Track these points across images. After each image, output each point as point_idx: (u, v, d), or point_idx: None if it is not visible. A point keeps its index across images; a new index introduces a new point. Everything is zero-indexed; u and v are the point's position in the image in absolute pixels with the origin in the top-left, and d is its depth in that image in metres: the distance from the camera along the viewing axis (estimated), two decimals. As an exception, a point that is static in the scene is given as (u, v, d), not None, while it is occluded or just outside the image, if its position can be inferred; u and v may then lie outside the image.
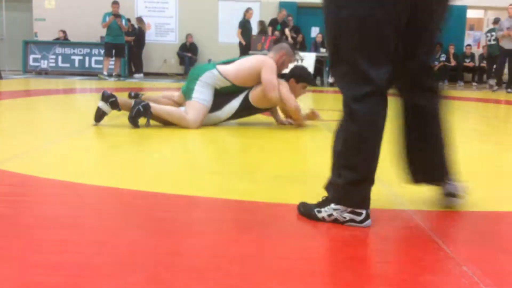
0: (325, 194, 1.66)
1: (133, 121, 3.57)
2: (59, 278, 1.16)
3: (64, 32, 12.88)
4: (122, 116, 3.96)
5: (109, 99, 3.58)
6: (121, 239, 1.43)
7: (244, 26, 10.81)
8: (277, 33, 11.05)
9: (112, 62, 11.26)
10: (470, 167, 2.66)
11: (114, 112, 3.69)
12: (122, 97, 3.84)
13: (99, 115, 3.63)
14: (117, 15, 10.79)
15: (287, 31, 11.12)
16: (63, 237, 1.43)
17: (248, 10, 10.97)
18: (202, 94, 3.69)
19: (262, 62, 3.74)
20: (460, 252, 1.39)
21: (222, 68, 3.80)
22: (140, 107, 3.56)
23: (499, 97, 8.69)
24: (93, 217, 1.66)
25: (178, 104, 4.06)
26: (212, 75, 3.74)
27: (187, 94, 3.77)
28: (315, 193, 1.99)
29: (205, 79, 3.73)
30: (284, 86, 3.76)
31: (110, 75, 11.06)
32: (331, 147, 1.61)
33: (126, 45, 12.03)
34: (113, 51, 10.94)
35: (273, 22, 11.24)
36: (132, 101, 3.69)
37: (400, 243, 1.49)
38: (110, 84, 9.40)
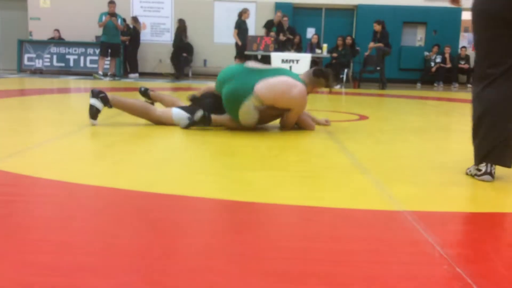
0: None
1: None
2: (53, 279, 1.16)
3: (58, 31, 12.84)
4: (116, 116, 3.95)
5: (99, 95, 3.59)
6: (115, 239, 1.43)
7: (240, 26, 10.81)
8: (272, 34, 11.05)
9: (108, 62, 11.23)
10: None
11: (109, 112, 3.68)
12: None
13: (93, 112, 3.62)
14: (113, 15, 10.75)
15: (281, 36, 11.10)
16: (56, 238, 1.43)
17: (245, 11, 10.96)
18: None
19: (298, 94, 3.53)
20: (454, 253, 1.39)
21: (260, 91, 3.43)
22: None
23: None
24: (87, 217, 1.65)
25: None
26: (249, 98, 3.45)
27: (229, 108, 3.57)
28: (311, 193, 2.00)
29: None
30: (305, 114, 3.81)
31: (105, 75, 11.03)
32: None
33: (122, 45, 12.01)
34: (109, 50, 10.90)
35: (269, 24, 11.24)
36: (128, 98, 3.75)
37: (394, 243, 1.49)
38: (105, 84, 9.37)
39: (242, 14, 10.91)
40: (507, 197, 2.06)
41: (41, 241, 1.40)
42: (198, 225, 1.60)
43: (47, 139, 3.11)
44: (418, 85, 12.53)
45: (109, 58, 11.13)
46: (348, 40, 11.58)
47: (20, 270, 1.20)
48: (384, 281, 1.21)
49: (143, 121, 3.76)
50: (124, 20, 12.74)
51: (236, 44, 10.84)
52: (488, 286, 1.19)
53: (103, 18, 10.70)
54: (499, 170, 2.31)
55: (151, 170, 2.36)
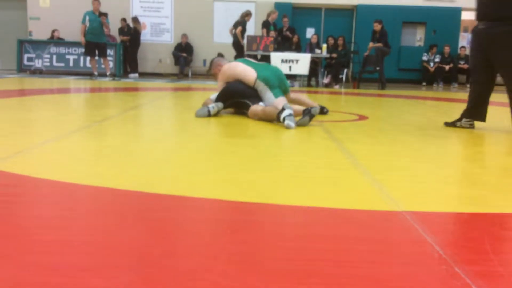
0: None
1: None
2: (53, 279, 1.16)
3: (57, 31, 12.83)
4: (116, 116, 3.95)
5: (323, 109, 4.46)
6: (115, 239, 1.43)
7: (243, 26, 10.78)
8: (272, 33, 11.05)
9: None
10: (475, 168, 2.67)
11: (108, 110, 3.68)
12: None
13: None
14: (102, 14, 10.52)
15: (272, 33, 11.06)
16: (57, 238, 1.43)
17: (248, 14, 10.93)
18: None
19: None
20: (453, 253, 1.40)
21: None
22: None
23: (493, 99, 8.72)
24: (87, 217, 1.66)
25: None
26: None
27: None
28: (310, 194, 2.00)
29: None
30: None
31: (103, 75, 10.96)
32: None
33: (120, 45, 11.99)
34: (96, 50, 10.57)
35: (265, 24, 11.23)
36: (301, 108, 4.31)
37: (394, 244, 1.50)
38: (105, 84, 9.37)
39: (246, 15, 10.89)
40: (506, 198, 2.07)
41: (41, 242, 1.40)
42: (198, 225, 1.61)
43: (47, 139, 3.11)
44: (424, 84, 12.57)
45: (98, 59, 10.91)
46: (340, 41, 11.58)
47: (20, 270, 1.20)
48: (383, 281, 1.22)
49: (142, 121, 3.75)
50: (124, 20, 12.75)
51: (235, 43, 10.81)
52: (487, 287, 1.20)
53: (87, 17, 10.35)
54: (499, 168, 2.32)
55: (151, 170, 2.37)
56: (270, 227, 1.60)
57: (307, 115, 3.92)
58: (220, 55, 8.79)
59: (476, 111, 4.10)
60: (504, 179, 2.43)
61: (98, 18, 10.41)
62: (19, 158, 2.52)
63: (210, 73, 5.07)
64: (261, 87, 4.44)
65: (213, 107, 4.35)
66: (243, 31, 10.79)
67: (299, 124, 3.88)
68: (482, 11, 3.91)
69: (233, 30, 10.95)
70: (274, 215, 1.74)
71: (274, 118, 4.01)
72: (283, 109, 3.88)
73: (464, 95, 9.70)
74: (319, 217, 1.72)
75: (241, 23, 10.80)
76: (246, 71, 4.54)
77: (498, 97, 5.30)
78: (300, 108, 4.39)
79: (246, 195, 1.95)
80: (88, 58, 11.29)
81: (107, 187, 2.00)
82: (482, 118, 4.12)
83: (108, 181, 2.09)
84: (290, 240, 1.48)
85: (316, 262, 1.33)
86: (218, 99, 4.54)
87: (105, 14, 10.58)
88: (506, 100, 3.98)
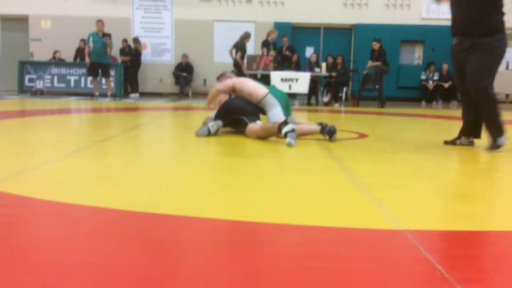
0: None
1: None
2: (52, 301, 1.15)
3: (58, 52, 12.93)
4: (117, 136, 3.96)
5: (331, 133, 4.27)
6: (115, 260, 1.43)
7: (243, 49, 10.91)
8: (272, 52, 11.14)
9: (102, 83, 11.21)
10: (466, 185, 2.67)
11: (108, 130, 3.69)
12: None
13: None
14: (105, 34, 10.66)
15: (272, 52, 11.16)
16: (56, 259, 1.42)
17: (247, 36, 11.06)
18: None
19: None
20: (455, 272, 1.39)
21: None
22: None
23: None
24: (87, 238, 1.65)
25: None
26: None
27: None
28: (311, 213, 2.00)
29: None
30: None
31: (104, 95, 11.03)
32: None
33: (121, 65, 12.08)
34: (99, 71, 10.68)
35: (265, 43, 11.33)
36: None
37: (396, 263, 1.49)
38: (106, 104, 9.42)
39: (245, 38, 11.02)
40: (507, 215, 2.06)
41: (40, 263, 1.39)
42: (198, 245, 1.60)
43: (48, 160, 3.12)
44: (423, 103, 12.61)
45: (102, 80, 11.05)
46: (339, 60, 11.67)
47: (19, 292, 1.19)
48: (385, 301, 1.21)
49: (143, 140, 3.76)
50: (125, 40, 12.86)
51: (235, 64, 10.93)
52: (489, 306, 1.18)
53: (91, 38, 10.50)
54: (499, 186, 2.31)
55: (151, 190, 2.36)
56: (270, 247, 1.59)
57: (327, 133, 4.22)
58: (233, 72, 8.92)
59: (469, 128, 4.14)
60: (505, 197, 2.42)
61: (102, 39, 10.56)
62: (19, 178, 2.52)
63: (218, 80, 5.09)
64: (272, 100, 4.48)
65: (213, 125, 4.37)
66: (243, 53, 10.90)
67: (332, 140, 4.17)
68: (454, 26, 4.05)
69: (233, 51, 11.07)
70: (275, 234, 1.73)
71: (275, 133, 4.03)
72: (286, 123, 3.89)
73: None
74: (319, 236, 1.71)
75: (241, 46, 10.92)
76: (258, 85, 4.68)
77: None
78: (304, 127, 4.46)
79: (246, 214, 1.95)
80: (90, 78, 11.38)
81: (107, 208, 1.99)
82: (476, 135, 4.15)
83: (108, 201, 2.09)
84: (290, 260, 1.47)
85: (317, 281, 1.32)
86: (217, 116, 4.57)
87: (109, 35, 10.72)
88: (508, 118, 4.00)
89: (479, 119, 4.06)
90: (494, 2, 3.84)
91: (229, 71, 5.32)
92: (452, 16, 4.08)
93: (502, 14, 3.88)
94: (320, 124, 4.35)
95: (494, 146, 3.83)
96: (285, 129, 3.85)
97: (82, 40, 12.38)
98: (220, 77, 5.01)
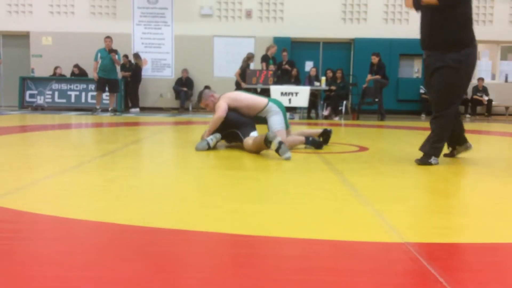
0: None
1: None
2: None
3: (59, 68, 13.00)
4: (118, 150, 3.96)
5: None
6: (115, 275, 1.42)
7: (244, 70, 10.99)
8: (272, 67, 11.20)
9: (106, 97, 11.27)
10: (471, 200, 2.66)
11: (109, 145, 3.69)
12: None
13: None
14: (112, 50, 10.80)
15: (272, 66, 11.23)
16: (57, 274, 1.42)
17: (250, 57, 11.19)
18: None
19: None
20: (457, 284, 1.38)
21: None
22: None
23: (491, 129, 8.77)
24: (88, 253, 1.64)
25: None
26: None
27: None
28: (311, 226, 1.99)
29: None
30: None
31: (105, 110, 11.08)
32: None
33: (122, 80, 12.13)
34: (106, 86, 10.79)
35: (265, 58, 11.40)
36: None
37: (397, 276, 1.48)
38: (107, 119, 9.44)
39: (249, 59, 11.15)
40: (509, 227, 2.05)
41: (41, 278, 1.39)
42: (200, 259, 1.59)
43: (48, 175, 3.12)
44: (423, 116, 12.63)
45: (107, 94, 11.15)
46: (339, 74, 11.74)
47: (19, 307, 1.19)
48: (387, 314, 1.20)
49: (143, 155, 3.77)
50: (126, 56, 12.93)
51: (237, 82, 11.06)
52: (492, 318, 1.18)
53: (99, 54, 10.63)
54: (500, 197, 2.30)
55: (151, 204, 2.36)
56: (271, 260, 1.58)
57: (311, 143, 4.47)
58: (207, 87, 8.97)
59: (453, 138, 4.08)
60: (505, 209, 2.42)
61: (109, 55, 10.68)
62: (19, 194, 2.52)
63: (200, 105, 5.02)
64: (274, 108, 4.61)
65: (212, 139, 4.38)
66: (244, 72, 10.99)
67: (319, 149, 4.45)
68: (420, 40, 4.06)
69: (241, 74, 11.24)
70: (276, 248, 1.72)
71: (263, 146, 4.01)
72: (274, 136, 3.86)
73: (466, 125, 9.73)
74: (321, 249, 1.71)
75: (246, 67, 11.02)
76: (253, 96, 4.80)
77: (495, 126, 5.32)
78: (297, 138, 4.67)
79: (247, 228, 1.94)
80: (95, 93, 11.49)
81: (107, 222, 1.99)
82: (460, 143, 4.10)
83: (109, 216, 2.09)
84: (292, 273, 1.46)
85: (319, 295, 1.31)
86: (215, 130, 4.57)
87: (115, 51, 10.80)
88: (504, 129, 4.00)
89: (460, 129, 4.05)
90: (458, 16, 3.65)
91: (207, 90, 5.13)
92: (420, 30, 4.00)
93: (469, 28, 3.69)
94: (311, 138, 4.68)
95: (425, 161, 3.73)
96: (275, 144, 3.81)
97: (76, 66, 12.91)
98: (201, 99, 4.90)
